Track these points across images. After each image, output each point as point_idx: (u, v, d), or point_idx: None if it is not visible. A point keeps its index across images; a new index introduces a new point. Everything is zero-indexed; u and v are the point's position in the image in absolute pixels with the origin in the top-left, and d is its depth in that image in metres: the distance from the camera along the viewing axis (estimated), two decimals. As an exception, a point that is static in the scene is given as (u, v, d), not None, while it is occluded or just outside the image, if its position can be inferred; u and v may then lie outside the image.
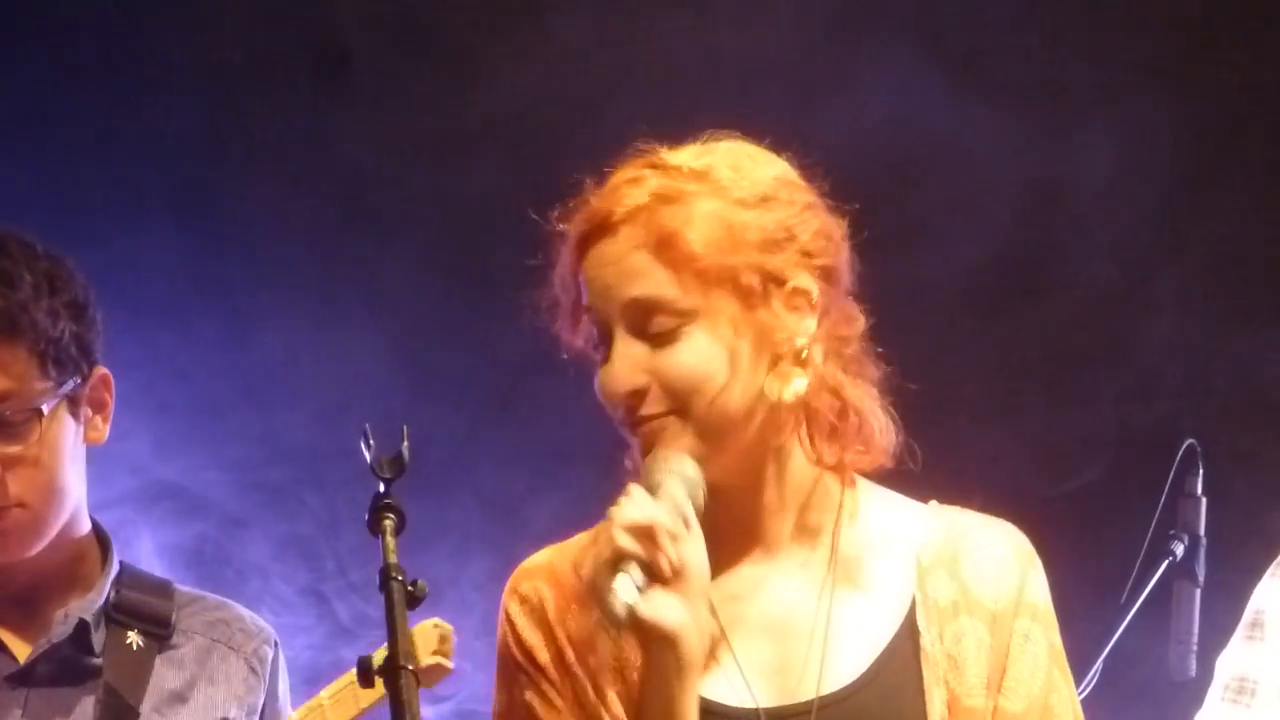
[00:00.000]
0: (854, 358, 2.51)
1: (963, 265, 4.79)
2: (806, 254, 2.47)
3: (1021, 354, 4.90)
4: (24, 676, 2.83)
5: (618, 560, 2.30)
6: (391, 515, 2.28)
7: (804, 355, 2.45)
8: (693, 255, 2.42)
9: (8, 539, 2.80)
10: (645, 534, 2.32)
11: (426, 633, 2.90)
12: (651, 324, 2.43)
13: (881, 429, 2.51)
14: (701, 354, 2.43)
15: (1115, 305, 4.91)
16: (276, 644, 3.00)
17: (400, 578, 2.26)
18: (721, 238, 2.44)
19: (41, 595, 2.87)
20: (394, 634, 2.24)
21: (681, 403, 2.42)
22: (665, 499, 2.36)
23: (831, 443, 2.49)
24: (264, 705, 2.94)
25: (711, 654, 2.43)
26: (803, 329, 2.46)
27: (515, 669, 2.46)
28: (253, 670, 2.93)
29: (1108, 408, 4.93)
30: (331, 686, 2.88)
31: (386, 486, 2.30)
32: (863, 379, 2.51)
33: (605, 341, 2.46)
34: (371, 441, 2.31)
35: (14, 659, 2.84)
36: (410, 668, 2.22)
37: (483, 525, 4.76)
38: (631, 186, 2.46)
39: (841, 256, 2.51)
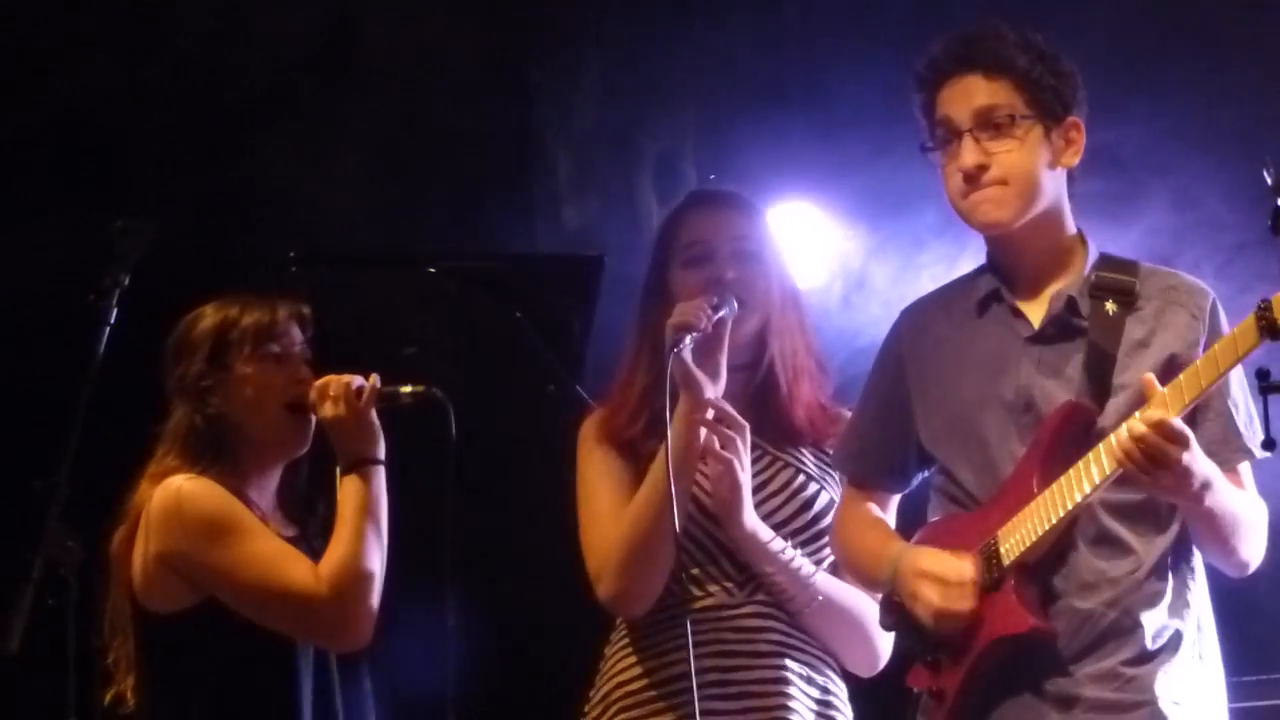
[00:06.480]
0: None
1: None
2: None
3: None
4: (1037, 337, 4.14)
5: None
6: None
7: None
8: None
9: (987, 206, 4.09)
10: None
11: None
12: None
13: None
14: None
15: None
16: (1214, 299, 4.08)
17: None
18: None
19: (1043, 279, 4.18)
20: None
21: None
22: None
23: None
24: (1205, 341, 4.00)
25: None
26: None
27: None
28: (1193, 316, 4.04)
29: None
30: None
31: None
32: None
33: None
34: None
35: (1030, 324, 4.16)
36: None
37: None
38: None
39: None
